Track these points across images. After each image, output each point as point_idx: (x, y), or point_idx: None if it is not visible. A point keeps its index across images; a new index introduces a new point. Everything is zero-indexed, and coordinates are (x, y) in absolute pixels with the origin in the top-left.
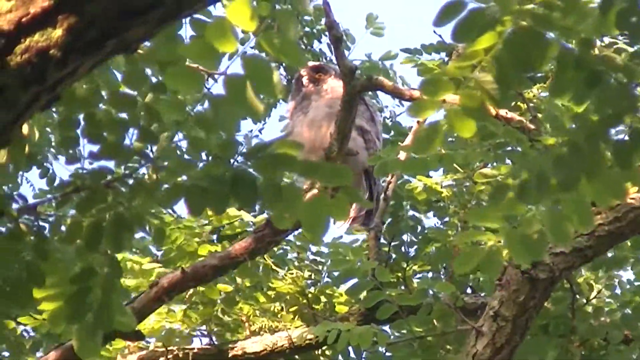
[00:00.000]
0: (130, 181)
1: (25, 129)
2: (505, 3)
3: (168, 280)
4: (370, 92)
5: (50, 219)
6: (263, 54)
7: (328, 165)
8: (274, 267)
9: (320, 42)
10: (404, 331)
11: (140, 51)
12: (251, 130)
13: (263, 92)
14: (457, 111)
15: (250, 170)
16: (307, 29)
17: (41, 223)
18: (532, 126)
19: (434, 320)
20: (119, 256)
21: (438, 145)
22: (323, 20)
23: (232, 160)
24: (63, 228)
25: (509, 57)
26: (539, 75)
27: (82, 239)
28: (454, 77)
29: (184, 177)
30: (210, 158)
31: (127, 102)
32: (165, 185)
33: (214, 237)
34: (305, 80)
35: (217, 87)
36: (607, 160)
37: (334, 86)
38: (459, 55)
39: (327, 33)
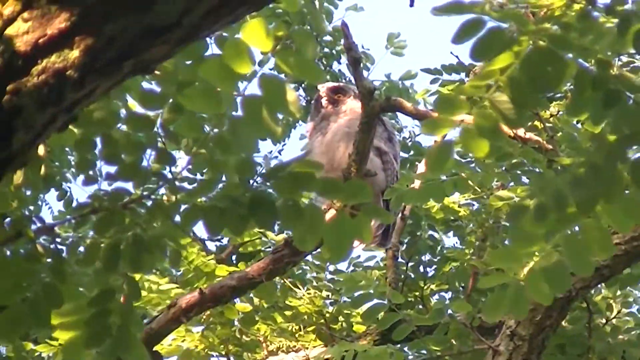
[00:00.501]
0: (149, 202)
1: (41, 150)
2: (523, 23)
3: (186, 301)
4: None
5: (68, 240)
6: (282, 75)
7: (348, 183)
8: (291, 287)
9: (339, 62)
10: (422, 351)
11: (157, 72)
12: (271, 151)
13: (280, 112)
14: (471, 131)
15: (270, 190)
16: (326, 49)
17: (59, 245)
18: (549, 146)
19: (452, 340)
20: (136, 276)
21: (450, 165)
22: (342, 41)
23: (251, 182)
24: (81, 249)
25: (525, 77)
26: (557, 95)
27: (100, 261)
28: (470, 97)
29: (203, 199)
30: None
31: (144, 123)
32: (184, 207)
33: (232, 256)
34: (324, 101)
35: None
36: (625, 181)
37: (352, 107)
38: (476, 75)
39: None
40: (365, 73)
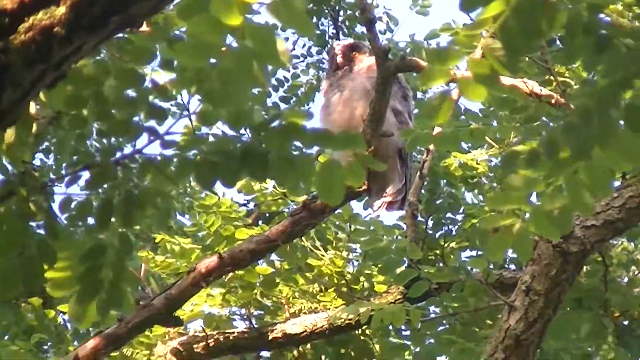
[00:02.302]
0: (140, 158)
1: (32, 108)
2: None
3: (205, 265)
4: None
5: (61, 197)
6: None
7: (340, 133)
8: (312, 248)
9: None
10: (438, 308)
11: (146, 28)
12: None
13: (270, 62)
14: (468, 79)
15: (260, 143)
16: (348, 11)
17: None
18: (563, 100)
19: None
20: (158, 237)
21: (447, 112)
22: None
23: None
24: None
25: (517, 24)
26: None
27: (92, 217)
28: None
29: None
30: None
31: (134, 78)
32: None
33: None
34: (339, 58)
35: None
36: (618, 126)
37: (369, 64)
38: (469, 24)
39: (360, 14)
40: (388, 35)
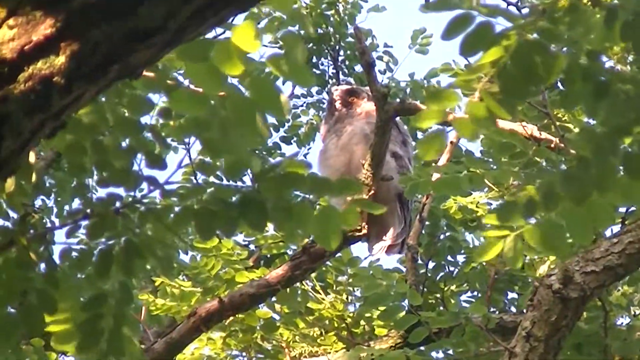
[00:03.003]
0: (141, 207)
1: (32, 157)
2: (511, 17)
3: (205, 310)
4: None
5: (61, 246)
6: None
7: (337, 180)
8: (312, 292)
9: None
10: (440, 354)
11: (148, 74)
12: (297, 153)
13: (270, 113)
14: (463, 119)
15: (259, 192)
16: (348, 51)
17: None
18: (562, 145)
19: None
20: (158, 280)
21: (438, 148)
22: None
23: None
24: (74, 255)
25: (515, 70)
26: None
27: (92, 266)
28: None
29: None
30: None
31: (133, 128)
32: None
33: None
34: (338, 104)
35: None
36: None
37: (367, 109)
38: (467, 69)
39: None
40: (388, 74)
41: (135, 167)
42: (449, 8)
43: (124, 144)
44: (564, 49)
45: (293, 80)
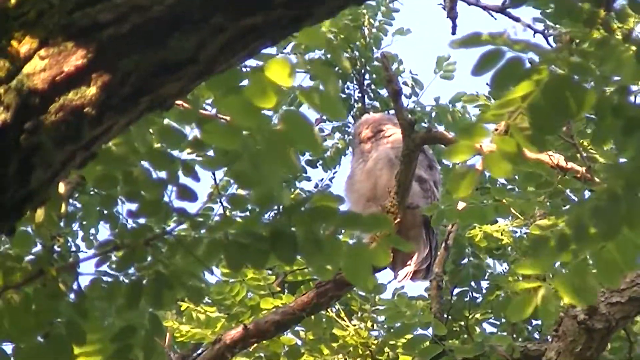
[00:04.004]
0: (170, 239)
1: (62, 187)
2: (542, 52)
3: (230, 337)
4: None
5: (90, 277)
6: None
7: (367, 215)
8: (336, 319)
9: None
10: None
11: (180, 106)
12: (322, 179)
13: (302, 147)
14: (494, 154)
15: (290, 225)
16: (374, 75)
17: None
18: (589, 176)
19: None
20: (184, 305)
21: (470, 185)
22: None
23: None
24: (103, 286)
25: (545, 105)
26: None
27: (122, 298)
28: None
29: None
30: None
31: (164, 159)
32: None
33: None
34: (365, 131)
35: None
36: None
37: (394, 134)
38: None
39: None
40: (414, 98)
41: (166, 198)
42: (479, 44)
43: (154, 175)
44: (592, 83)
45: (325, 113)
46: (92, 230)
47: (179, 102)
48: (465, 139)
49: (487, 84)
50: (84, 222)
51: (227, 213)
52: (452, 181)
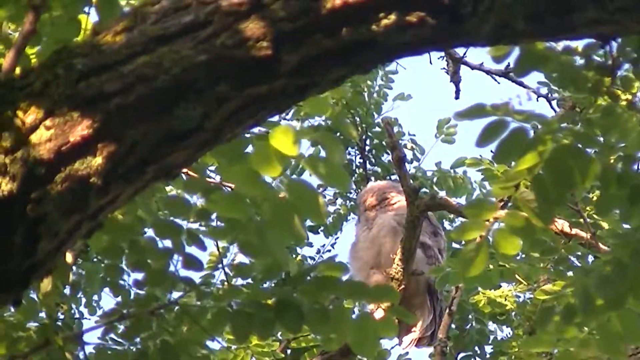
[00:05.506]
0: (176, 308)
1: (68, 257)
2: (546, 121)
3: None
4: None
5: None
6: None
7: (374, 286)
8: None
9: (389, 154)
10: None
11: (185, 175)
12: (324, 245)
13: (308, 217)
14: (503, 230)
15: (295, 295)
16: (375, 141)
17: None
18: (594, 242)
19: None
20: None
21: (482, 264)
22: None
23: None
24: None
25: (550, 176)
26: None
27: None
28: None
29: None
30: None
31: (170, 229)
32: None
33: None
34: (370, 199)
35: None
36: None
37: (398, 203)
38: (503, 177)
39: (390, 153)
40: (415, 163)
41: (172, 268)
42: (483, 115)
43: (160, 245)
44: (594, 151)
45: (330, 183)
46: (95, 297)
47: (184, 170)
48: (473, 215)
49: (491, 151)
50: (87, 289)
51: (230, 281)
52: (463, 261)
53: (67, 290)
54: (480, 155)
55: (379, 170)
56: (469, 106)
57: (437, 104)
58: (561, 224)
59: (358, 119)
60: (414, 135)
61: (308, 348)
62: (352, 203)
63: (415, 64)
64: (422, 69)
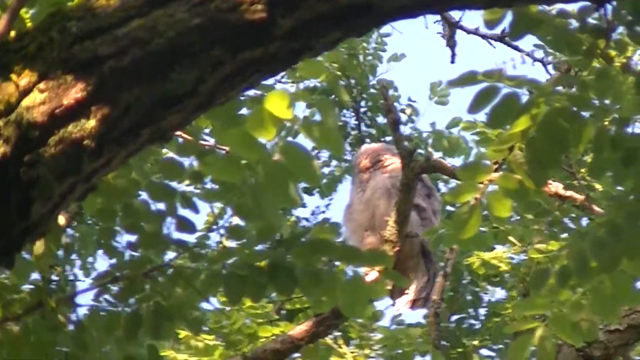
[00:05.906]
0: (169, 270)
1: (62, 219)
2: (539, 86)
3: None
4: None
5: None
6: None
7: (367, 251)
8: (333, 346)
9: (384, 116)
10: None
11: (179, 138)
12: (318, 206)
13: (302, 180)
14: (496, 192)
15: (289, 257)
16: (370, 103)
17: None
18: (587, 204)
19: None
20: (182, 333)
21: (475, 226)
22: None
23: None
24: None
25: (544, 139)
26: None
27: (121, 329)
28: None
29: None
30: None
31: (164, 192)
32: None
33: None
34: (364, 161)
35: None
36: None
37: (392, 164)
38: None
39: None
40: (410, 125)
41: (165, 230)
42: (475, 83)
43: (154, 208)
44: (588, 114)
45: (325, 147)
46: (90, 259)
47: (178, 133)
48: (467, 178)
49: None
50: (82, 252)
51: (225, 243)
52: (457, 223)
53: (61, 253)
54: (474, 119)
55: (374, 131)
56: (460, 74)
57: (434, 67)
58: (555, 187)
59: (353, 81)
60: (411, 98)
61: (302, 309)
62: (347, 164)
63: (411, 27)
64: (418, 32)
